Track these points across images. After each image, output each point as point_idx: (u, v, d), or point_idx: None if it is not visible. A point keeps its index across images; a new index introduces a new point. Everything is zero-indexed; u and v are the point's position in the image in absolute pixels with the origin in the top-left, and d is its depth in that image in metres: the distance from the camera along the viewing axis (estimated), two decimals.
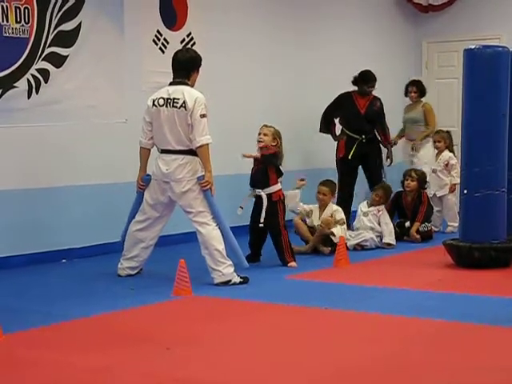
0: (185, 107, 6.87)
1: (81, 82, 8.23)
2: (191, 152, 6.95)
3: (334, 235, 8.38)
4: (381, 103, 10.16)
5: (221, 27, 9.66)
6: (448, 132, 10.32)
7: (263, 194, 7.77)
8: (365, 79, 10.03)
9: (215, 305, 6.31)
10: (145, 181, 7.13)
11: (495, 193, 7.52)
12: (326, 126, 10.15)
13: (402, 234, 9.24)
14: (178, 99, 6.90)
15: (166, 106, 6.94)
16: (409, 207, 9.43)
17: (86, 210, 8.36)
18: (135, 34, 8.79)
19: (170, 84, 7.06)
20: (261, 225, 7.74)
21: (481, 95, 7.50)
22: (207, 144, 6.88)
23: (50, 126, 8.08)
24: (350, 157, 9.92)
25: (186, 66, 7.05)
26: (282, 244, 7.77)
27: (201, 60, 7.15)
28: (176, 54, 7.19)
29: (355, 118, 9.97)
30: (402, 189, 9.58)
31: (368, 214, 8.99)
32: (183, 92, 6.92)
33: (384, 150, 10.28)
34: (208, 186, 6.93)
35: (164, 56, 8.87)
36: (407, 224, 9.30)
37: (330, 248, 8.37)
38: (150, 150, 7.17)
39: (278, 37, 10.39)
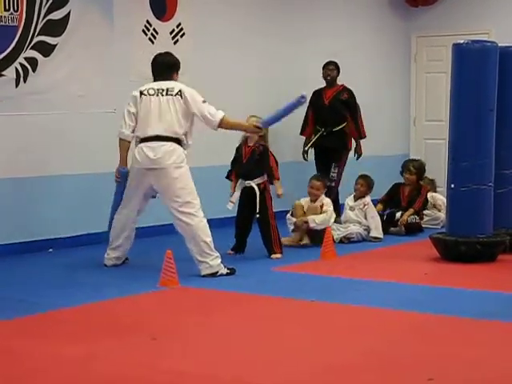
0: (181, 95, 6.98)
1: (69, 71, 8.20)
2: (178, 141, 6.98)
3: (314, 222, 8.32)
4: (351, 94, 9.80)
5: (210, 18, 9.64)
6: (432, 180, 10.32)
7: (254, 184, 7.78)
8: (324, 65, 9.89)
9: (202, 296, 6.31)
10: (121, 174, 7.13)
11: (482, 187, 7.54)
12: (304, 126, 9.96)
13: (390, 223, 9.22)
14: (173, 88, 7.02)
15: (158, 95, 6.99)
16: (405, 198, 9.49)
17: (73, 199, 8.34)
18: (125, 24, 8.76)
19: (155, 81, 7.11)
20: (258, 215, 7.73)
21: (469, 90, 7.52)
22: (224, 116, 7.03)
23: (37, 115, 8.05)
24: (306, 148, 9.82)
25: (169, 67, 7.16)
26: (271, 233, 7.77)
27: (180, 64, 7.24)
28: (156, 57, 7.26)
29: (320, 110, 9.77)
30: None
31: (354, 209, 8.98)
32: (175, 84, 7.07)
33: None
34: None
35: (153, 46, 8.84)
36: (398, 214, 9.30)
37: (308, 240, 8.39)
38: (130, 142, 7.16)
39: (268, 29, 10.37)
